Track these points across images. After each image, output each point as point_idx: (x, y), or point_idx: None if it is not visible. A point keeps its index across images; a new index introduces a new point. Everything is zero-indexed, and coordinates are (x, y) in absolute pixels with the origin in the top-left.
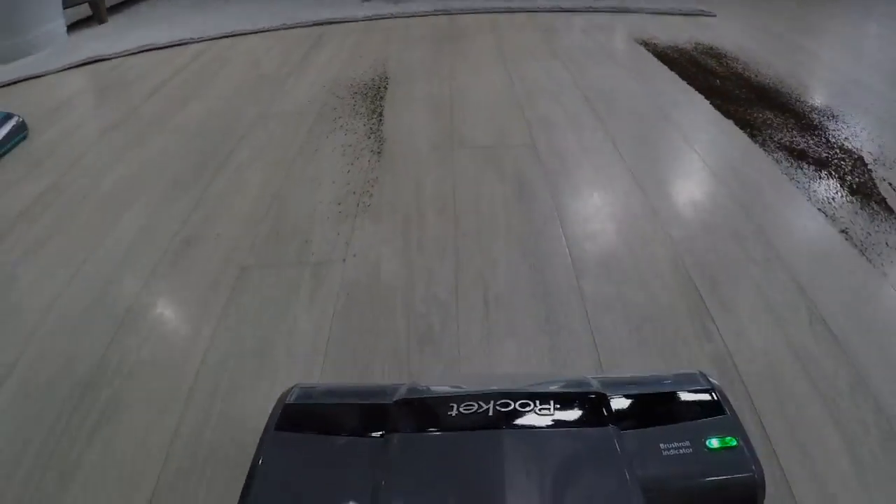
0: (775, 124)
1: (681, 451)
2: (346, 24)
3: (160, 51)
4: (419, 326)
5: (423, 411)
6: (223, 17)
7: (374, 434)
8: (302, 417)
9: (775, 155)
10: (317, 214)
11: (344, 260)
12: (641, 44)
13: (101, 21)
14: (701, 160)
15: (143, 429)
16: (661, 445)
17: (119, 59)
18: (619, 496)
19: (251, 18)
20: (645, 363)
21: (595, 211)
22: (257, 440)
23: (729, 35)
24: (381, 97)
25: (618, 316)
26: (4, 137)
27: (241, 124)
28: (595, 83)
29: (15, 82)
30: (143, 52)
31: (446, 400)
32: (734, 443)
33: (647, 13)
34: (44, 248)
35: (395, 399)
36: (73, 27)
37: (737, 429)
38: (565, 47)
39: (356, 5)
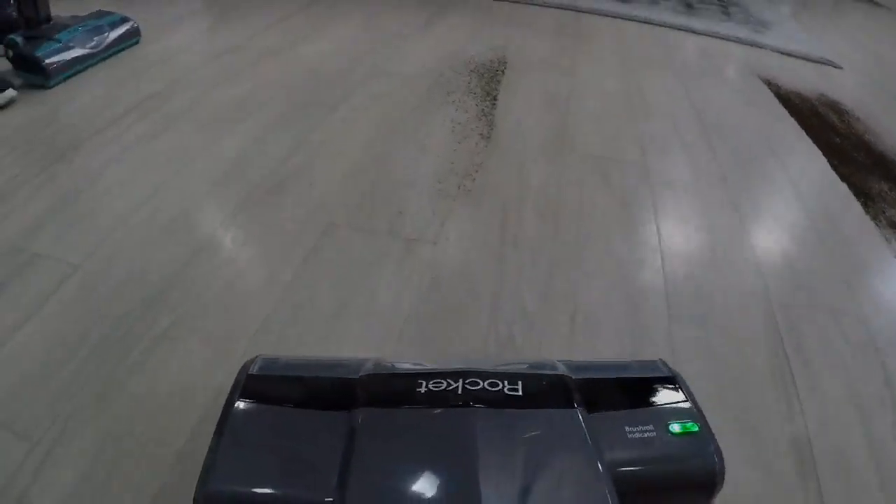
0: (890, 199)
1: (645, 434)
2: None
3: None
4: (500, 332)
5: (390, 387)
6: None
7: (339, 408)
8: (266, 389)
9: (886, 232)
10: (416, 187)
11: (435, 242)
12: (765, 82)
13: None
14: (810, 221)
15: (196, 367)
16: (626, 428)
17: None
18: (587, 476)
19: None
20: (725, 423)
21: (697, 249)
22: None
23: (853, 92)
24: (498, 81)
25: (704, 371)
26: (118, 38)
27: (356, 74)
28: (713, 111)
29: None
30: None
31: (414, 376)
32: (695, 428)
33: (773, 51)
34: (137, 152)
35: (360, 374)
36: None
37: (697, 415)
38: (688, 68)
39: None
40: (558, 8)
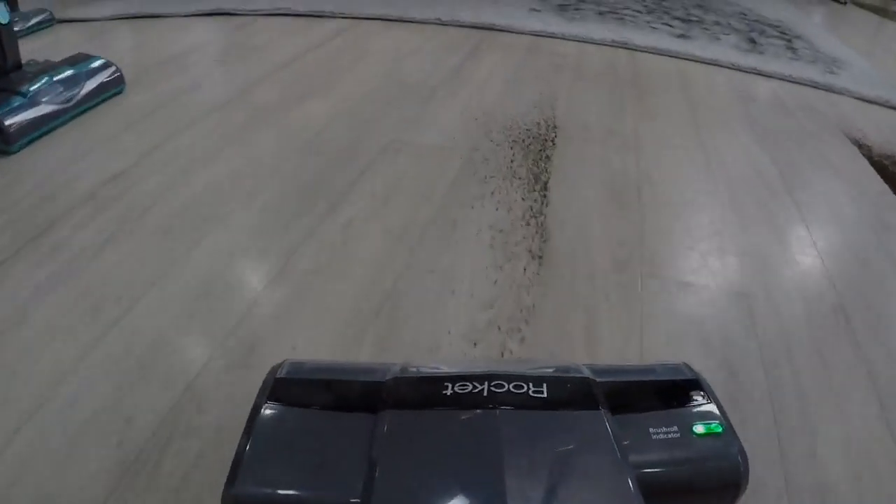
0: None
1: (669, 435)
2: (511, 34)
3: (296, 18)
4: None
5: (416, 390)
6: None
7: (367, 409)
8: (294, 392)
9: None
10: (440, 355)
11: None
12: (854, 143)
13: None
14: None
15: None
16: (651, 430)
17: (249, 17)
18: (613, 477)
19: (402, 3)
20: None
21: (835, 474)
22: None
23: None
24: (548, 157)
25: None
26: (96, 89)
27: (368, 147)
28: (810, 192)
29: (134, 17)
30: (277, 14)
31: (441, 379)
32: (720, 429)
33: (851, 97)
34: (77, 275)
35: (388, 377)
36: None
37: (721, 417)
38: (767, 127)
39: (523, 13)
40: (608, 45)
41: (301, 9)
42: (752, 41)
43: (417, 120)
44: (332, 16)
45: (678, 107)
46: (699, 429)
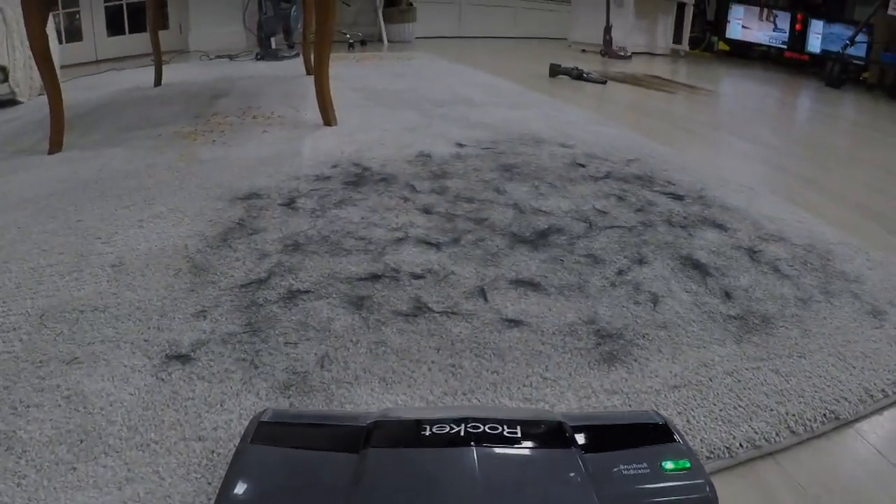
0: None
1: (638, 471)
2: None
3: None
4: None
5: (396, 431)
6: None
7: (348, 450)
8: (277, 434)
9: None
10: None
11: None
12: None
13: None
14: None
15: None
16: (621, 466)
17: None
18: None
19: None
20: None
21: None
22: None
23: None
24: None
25: None
26: None
27: None
28: None
29: None
30: None
31: (419, 422)
32: (687, 464)
33: None
34: None
35: (368, 421)
36: None
37: (689, 454)
38: None
39: None
40: None
41: None
42: (729, 295)
43: None
44: None
45: None
46: (668, 465)
